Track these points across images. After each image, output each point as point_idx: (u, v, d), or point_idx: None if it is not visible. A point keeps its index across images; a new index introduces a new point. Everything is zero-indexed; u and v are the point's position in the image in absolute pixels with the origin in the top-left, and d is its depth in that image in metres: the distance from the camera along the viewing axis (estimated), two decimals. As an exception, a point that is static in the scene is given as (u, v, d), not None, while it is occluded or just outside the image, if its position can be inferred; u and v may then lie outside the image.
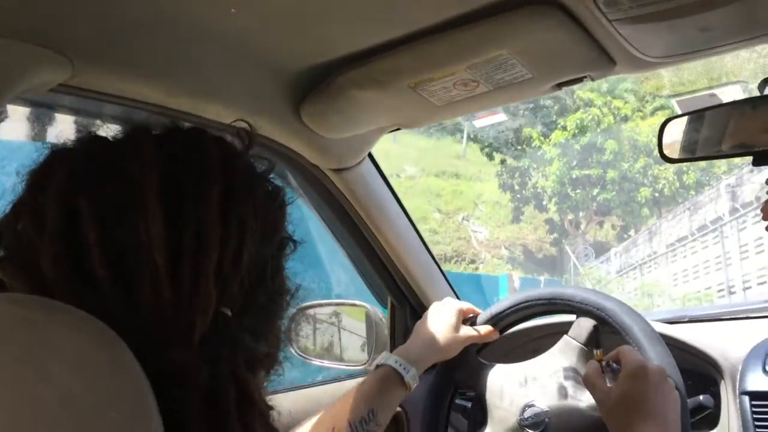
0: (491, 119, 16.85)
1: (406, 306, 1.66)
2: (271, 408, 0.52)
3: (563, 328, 1.29)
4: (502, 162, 18.78)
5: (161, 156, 0.51)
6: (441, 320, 1.26)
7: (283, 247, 0.59)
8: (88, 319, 0.44)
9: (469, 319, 1.35)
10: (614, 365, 1.04)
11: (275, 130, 1.15)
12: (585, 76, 1.01)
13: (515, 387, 1.26)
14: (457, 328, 1.27)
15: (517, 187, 18.79)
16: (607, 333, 1.24)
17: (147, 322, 0.47)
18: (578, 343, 1.24)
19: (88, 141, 0.54)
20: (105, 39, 0.83)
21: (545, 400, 1.21)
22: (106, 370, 0.42)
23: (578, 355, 1.24)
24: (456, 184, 19.44)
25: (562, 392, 1.21)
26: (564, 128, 17.73)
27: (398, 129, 1.25)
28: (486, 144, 19.24)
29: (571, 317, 1.29)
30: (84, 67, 0.84)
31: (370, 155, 1.38)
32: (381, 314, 1.71)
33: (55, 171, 0.51)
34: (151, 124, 0.55)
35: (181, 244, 0.48)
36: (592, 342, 1.24)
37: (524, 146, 18.23)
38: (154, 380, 0.44)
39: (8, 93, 0.79)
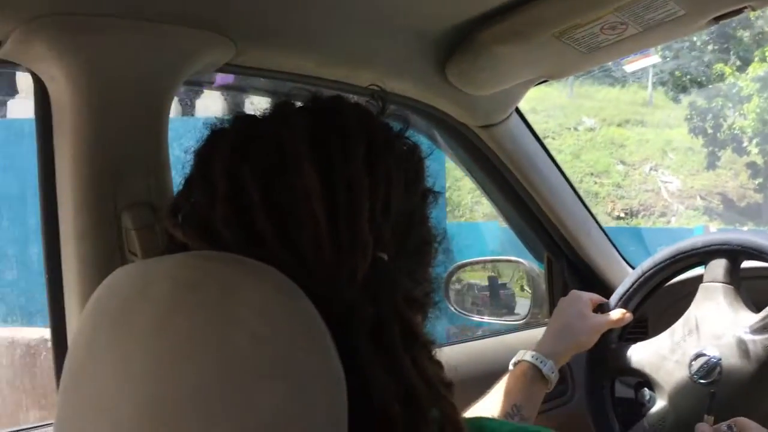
0: (643, 62, 15.67)
1: (562, 260, 1.64)
2: (433, 343, 0.55)
3: (693, 285, 1.24)
4: (691, 104, 17.19)
5: (307, 122, 0.56)
6: (571, 312, 1.27)
7: (426, 197, 0.63)
8: (268, 270, 0.49)
9: (599, 308, 1.32)
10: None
11: (421, 91, 1.17)
12: (745, 7, 0.95)
13: (673, 351, 1.23)
14: (589, 317, 1.27)
15: (710, 131, 16.92)
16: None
17: (312, 270, 0.51)
18: (719, 283, 1.20)
19: (241, 119, 0.60)
20: (264, 19, 0.89)
21: (712, 349, 1.18)
22: (288, 314, 0.47)
23: (724, 295, 1.19)
24: (641, 133, 17.97)
25: (725, 335, 1.17)
26: (763, 59, 15.83)
27: (545, 81, 1.24)
28: (672, 85, 17.75)
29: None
30: (246, 47, 0.91)
31: (518, 110, 1.38)
32: (538, 269, 1.70)
33: (218, 146, 0.57)
34: (294, 95, 0.61)
35: (335, 197, 0.52)
36: (734, 277, 1.18)
37: (716, 83, 16.48)
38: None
39: (181, 76, 0.88)
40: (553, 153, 1.50)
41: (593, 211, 1.62)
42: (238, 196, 0.53)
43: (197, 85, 1.13)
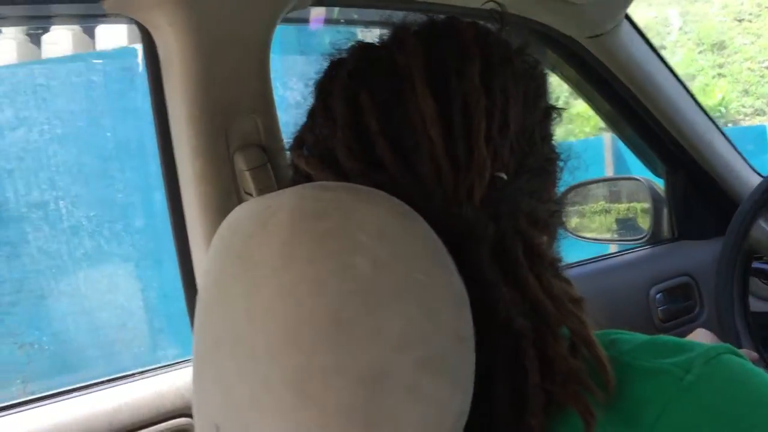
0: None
1: (683, 174, 1.56)
2: (559, 261, 0.55)
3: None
4: None
5: (422, 45, 0.55)
6: None
7: (549, 114, 0.61)
8: (384, 197, 0.49)
9: None
10: None
11: (524, 6, 1.12)
12: None
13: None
14: None
15: None
16: None
17: (431, 192, 0.51)
18: None
19: (358, 47, 0.60)
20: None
21: None
22: (407, 238, 0.47)
23: None
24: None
25: None
26: None
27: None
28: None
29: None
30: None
31: (628, 16, 1.30)
32: (657, 186, 1.63)
33: (337, 76, 0.58)
34: (408, 23, 0.60)
35: (451, 118, 0.52)
36: None
37: None
38: (444, 242, 0.48)
39: (280, 13, 0.88)
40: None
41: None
42: (357, 124, 0.54)
43: (295, 23, 1.14)
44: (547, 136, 0.60)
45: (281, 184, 0.91)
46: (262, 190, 0.86)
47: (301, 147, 0.59)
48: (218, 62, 0.83)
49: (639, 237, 1.65)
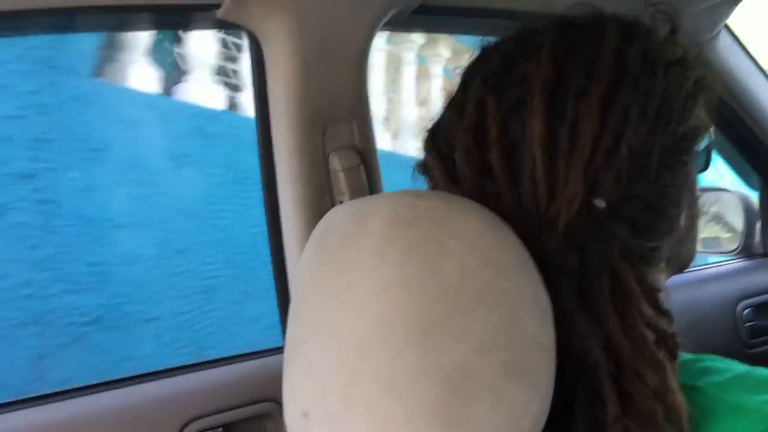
0: None
1: (779, 187, 1.51)
2: (658, 291, 0.51)
3: None
4: None
5: (554, 56, 0.53)
6: None
7: (684, 140, 0.55)
8: (476, 207, 0.51)
9: None
10: None
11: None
12: None
13: None
14: None
15: None
16: None
17: (526, 209, 0.51)
18: None
19: (506, 41, 0.58)
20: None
21: None
22: (496, 247, 0.49)
23: None
24: None
25: None
26: None
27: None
28: None
29: None
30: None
31: (727, 26, 1.26)
32: (752, 199, 1.58)
33: (477, 71, 0.57)
34: (551, 25, 0.56)
35: (557, 141, 0.50)
36: None
37: None
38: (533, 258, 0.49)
39: (378, 24, 0.91)
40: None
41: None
42: (479, 127, 0.53)
43: (394, 31, 1.15)
44: (674, 163, 0.54)
45: (372, 185, 0.94)
46: (355, 191, 0.90)
47: (435, 131, 0.59)
48: (320, 68, 0.87)
49: (729, 250, 1.60)
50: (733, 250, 1.59)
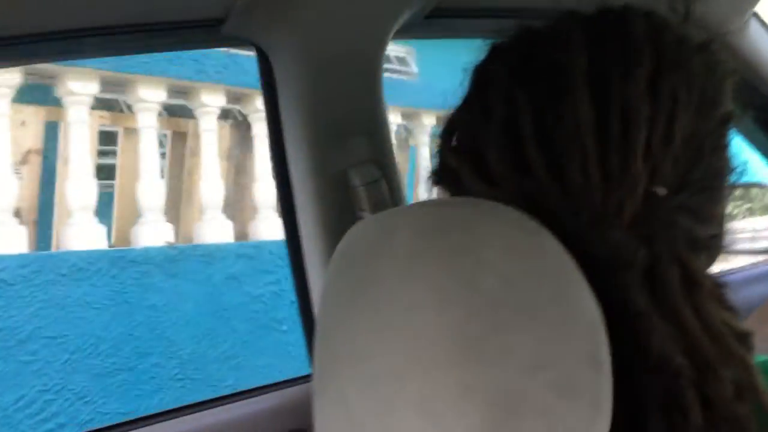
0: None
1: (819, 179, 1.46)
2: (723, 286, 0.49)
3: None
4: None
5: (588, 40, 0.52)
6: None
7: (726, 122, 0.55)
8: (509, 211, 0.47)
9: None
10: None
11: (642, 3, 1.08)
12: None
13: None
14: None
15: None
16: None
17: (577, 205, 0.48)
18: None
19: (522, 37, 0.56)
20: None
21: None
22: (534, 254, 0.45)
23: None
24: None
25: None
26: None
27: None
28: None
29: None
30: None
31: (756, 14, 1.22)
32: (788, 192, 1.53)
33: (498, 67, 0.55)
34: (576, 14, 0.55)
35: (608, 126, 0.48)
36: None
37: None
38: (587, 262, 0.45)
39: (390, 31, 0.89)
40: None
41: None
42: (511, 124, 0.51)
43: (407, 38, 1.16)
44: (720, 146, 0.54)
45: (396, 199, 0.91)
46: (376, 206, 0.87)
47: (452, 134, 0.56)
48: (332, 80, 0.85)
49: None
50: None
